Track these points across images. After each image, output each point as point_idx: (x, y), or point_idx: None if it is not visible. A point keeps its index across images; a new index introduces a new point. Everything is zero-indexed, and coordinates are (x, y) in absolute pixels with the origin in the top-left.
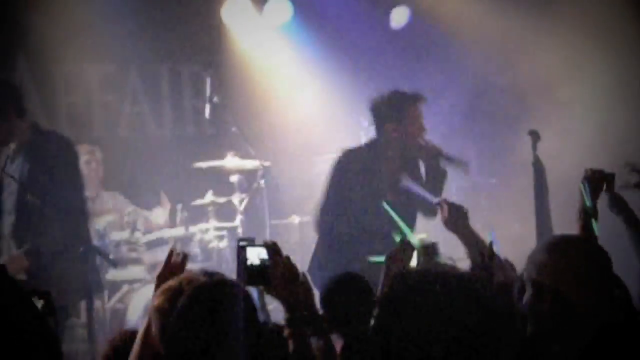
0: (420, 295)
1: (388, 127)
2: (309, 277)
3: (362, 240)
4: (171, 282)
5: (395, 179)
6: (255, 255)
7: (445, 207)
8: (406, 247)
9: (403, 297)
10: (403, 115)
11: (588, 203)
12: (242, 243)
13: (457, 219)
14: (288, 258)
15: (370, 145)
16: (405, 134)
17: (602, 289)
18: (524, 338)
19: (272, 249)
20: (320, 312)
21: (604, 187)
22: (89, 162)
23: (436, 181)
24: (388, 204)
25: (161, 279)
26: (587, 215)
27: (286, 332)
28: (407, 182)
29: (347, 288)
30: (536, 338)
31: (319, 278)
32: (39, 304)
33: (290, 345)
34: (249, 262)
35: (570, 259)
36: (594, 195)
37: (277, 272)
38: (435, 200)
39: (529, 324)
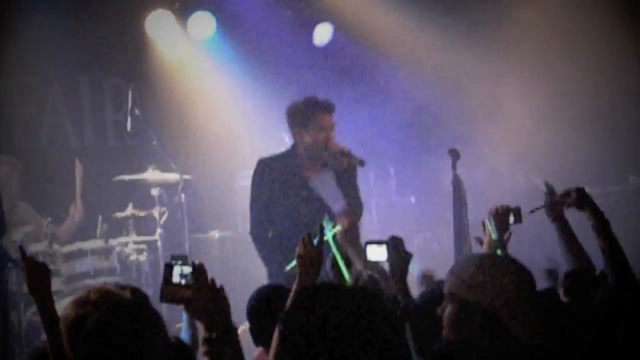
0: (321, 311)
1: (296, 131)
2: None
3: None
4: (80, 295)
5: (309, 182)
6: (180, 273)
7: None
8: (313, 248)
9: (305, 314)
10: (310, 122)
11: (494, 237)
12: (173, 261)
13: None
14: (212, 280)
15: (287, 152)
16: (314, 140)
17: (530, 308)
18: (440, 346)
19: (198, 269)
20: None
21: (511, 220)
22: (10, 174)
23: (349, 179)
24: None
25: None
26: (495, 248)
27: (203, 349)
28: (318, 184)
29: (268, 301)
30: (456, 348)
31: None
32: None
33: None
34: (173, 280)
35: (500, 278)
36: (500, 229)
37: (199, 293)
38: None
39: (446, 333)
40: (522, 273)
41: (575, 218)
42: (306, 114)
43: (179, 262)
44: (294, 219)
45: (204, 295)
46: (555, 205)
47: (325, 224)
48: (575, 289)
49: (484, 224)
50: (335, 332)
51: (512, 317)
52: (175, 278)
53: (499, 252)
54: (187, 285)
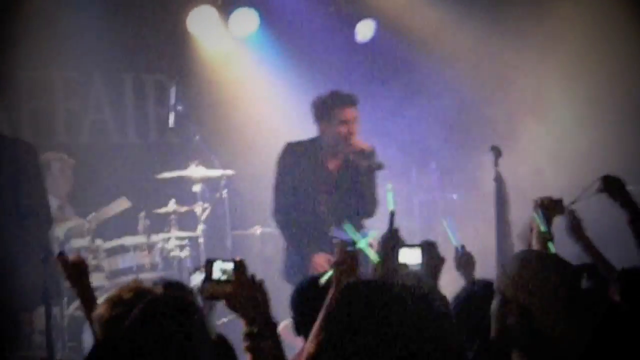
0: (367, 307)
1: (320, 124)
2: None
3: (314, 232)
4: (113, 292)
5: (330, 175)
6: (220, 270)
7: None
8: (350, 255)
9: (350, 311)
10: (333, 115)
11: (543, 229)
12: (210, 258)
13: (466, 263)
14: (253, 276)
15: (311, 140)
16: (336, 133)
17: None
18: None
19: (239, 265)
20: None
21: (557, 212)
22: (62, 168)
23: (369, 178)
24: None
25: None
26: (545, 240)
27: (245, 344)
28: (338, 178)
29: (310, 292)
30: (497, 343)
31: (293, 276)
32: None
33: (249, 358)
34: (213, 277)
35: (541, 275)
36: (548, 221)
37: (240, 289)
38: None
39: (493, 329)
40: (563, 270)
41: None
42: (330, 107)
43: (216, 259)
44: (314, 208)
45: (244, 291)
46: (575, 227)
47: (349, 230)
48: (629, 289)
49: (533, 216)
50: (379, 328)
51: (546, 314)
52: (216, 274)
53: (550, 245)
54: (227, 281)
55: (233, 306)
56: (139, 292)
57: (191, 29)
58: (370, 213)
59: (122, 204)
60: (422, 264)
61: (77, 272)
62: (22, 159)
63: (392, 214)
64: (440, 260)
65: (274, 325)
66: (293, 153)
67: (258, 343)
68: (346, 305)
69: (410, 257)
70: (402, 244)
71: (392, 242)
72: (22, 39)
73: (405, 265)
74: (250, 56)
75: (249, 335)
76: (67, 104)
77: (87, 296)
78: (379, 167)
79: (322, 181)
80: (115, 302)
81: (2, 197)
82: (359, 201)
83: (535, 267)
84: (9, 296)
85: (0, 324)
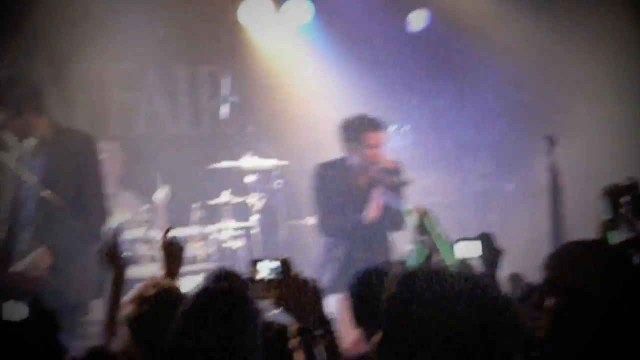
0: (426, 295)
1: (346, 146)
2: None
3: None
4: (139, 289)
5: (358, 192)
6: (267, 269)
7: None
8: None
9: (409, 298)
10: (360, 139)
11: (609, 215)
12: (254, 258)
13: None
14: (298, 274)
15: (339, 161)
16: (363, 156)
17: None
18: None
19: (285, 264)
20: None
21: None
22: (110, 159)
23: (396, 194)
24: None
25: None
26: (607, 228)
27: (295, 342)
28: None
29: (368, 283)
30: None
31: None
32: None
33: (300, 355)
34: (259, 276)
35: (590, 261)
36: (615, 208)
37: (287, 287)
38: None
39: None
40: (622, 261)
41: None
42: (358, 131)
43: (261, 258)
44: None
45: (291, 289)
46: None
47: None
48: None
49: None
50: (439, 316)
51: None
52: (262, 273)
53: (612, 234)
54: (274, 280)
55: (281, 305)
56: (161, 290)
57: (244, 20)
58: (397, 227)
59: (162, 192)
60: (481, 256)
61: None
62: (81, 151)
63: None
64: (498, 252)
65: (327, 322)
66: (324, 173)
67: (309, 340)
68: (405, 294)
69: (469, 250)
70: (459, 238)
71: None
72: (76, 32)
73: (464, 260)
74: (303, 47)
75: (299, 333)
76: (122, 96)
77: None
78: (404, 184)
79: (353, 198)
80: (141, 300)
81: (61, 190)
82: (386, 216)
83: (579, 256)
84: (67, 288)
85: (58, 315)
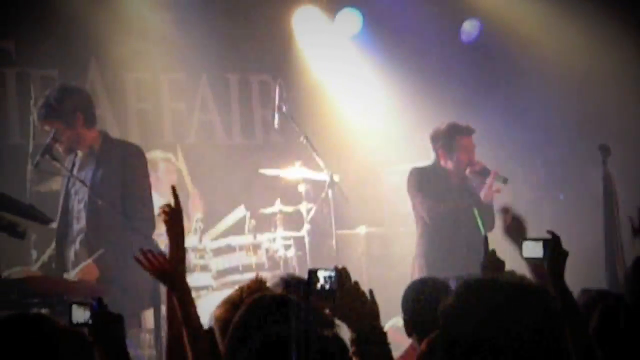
0: (485, 305)
1: (440, 153)
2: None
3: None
4: (233, 293)
5: (454, 191)
6: (324, 278)
7: (509, 215)
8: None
9: (468, 307)
10: (454, 145)
11: None
12: (312, 268)
13: (517, 229)
14: (356, 283)
15: (432, 166)
16: (456, 162)
17: None
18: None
19: (342, 274)
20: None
21: None
22: (168, 169)
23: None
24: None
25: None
26: None
27: (352, 350)
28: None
29: (421, 293)
30: None
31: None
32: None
33: None
34: (317, 286)
35: None
36: None
37: (345, 297)
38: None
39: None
40: None
41: None
42: (451, 137)
43: (318, 268)
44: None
45: (348, 299)
46: None
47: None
48: None
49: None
50: (498, 328)
51: None
52: (319, 284)
53: None
54: (330, 290)
55: (337, 315)
56: (259, 296)
57: (296, 29)
58: (490, 226)
59: (239, 213)
60: (544, 258)
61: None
62: (130, 161)
63: (486, 239)
64: (564, 254)
65: (381, 332)
66: (420, 174)
67: (364, 349)
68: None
69: (532, 250)
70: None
71: (491, 265)
72: (128, 41)
73: (530, 259)
74: (354, 56)
75: (354, 342)
76: (174, 104)
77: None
78: (505, 181)
79: (450, 195)
80: (235, 304)
81: (111, 199)
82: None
83: None
84: (119, 297)
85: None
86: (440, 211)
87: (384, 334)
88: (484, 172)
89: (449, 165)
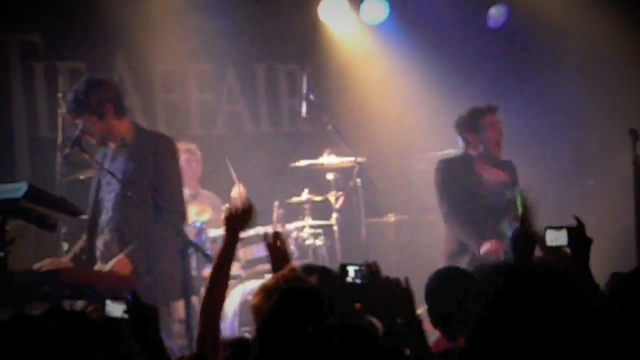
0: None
1: (468, 136)
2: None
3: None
4: (269, 280)
5: (482, 181)
6: (354, 272)
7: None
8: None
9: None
10: (480, 123)
11: None
12: (343, 263)
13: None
14: (387, 277)
15: (461, 156)
16: (486, 141)
17: None
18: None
19: (372, 268)
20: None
21: None
22: (189, 160)
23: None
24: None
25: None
26: None
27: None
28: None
29: (446, 283)
30: None
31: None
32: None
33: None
34: (347, 280)
35: None
36: None
37: (375, 291)
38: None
39: None
40: None
41: None
42: (476, 116)
43: (349, 263)
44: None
45: (379, 293)
46: None
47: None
48: None
49: None
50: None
51: None
52: (350, 277)
53: None
54: (361, 284)
55: (367, 308)
56: (295, 282)
57: (322, 18)
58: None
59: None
60: (568, 245)
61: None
62: (162, 152)
63: (523, 216)
64: (588, 241)
65: (416, 323)
66: (447, 167)
67: (398, 341)
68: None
69: (557, 238)
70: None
71: (523, 241)
72: (156, 32)
73: (552, 248)
74: (380, 44)
75: (385, 336)
76: (201, 95)
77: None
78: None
79: (476, 188)
80: (271, 291)
81: (142, 190)
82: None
83: None
84: (150, 288)
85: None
86: (455, 226)
87: (419, 322)
88: (509, 166)
89: (480, 149)
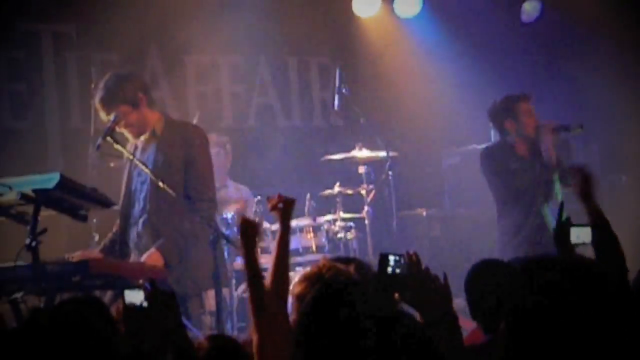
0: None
1: (504, 124)
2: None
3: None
4: (311, 269)
5: (523, 162)
6: (395, 262)
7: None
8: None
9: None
10: (515, 109)
11: None
12: (384, 252)
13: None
14: (427, 269)
15: (499, 143)
16: (523, 127)
17: None
18: None
19: (412, 259)
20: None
21: None
22: (218, 153)
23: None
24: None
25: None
26: None
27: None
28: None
29: (483, 275)
30: None
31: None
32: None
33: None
34: (387, 270)
35: None
36: None
37: (413, 282)
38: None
39: None
40: None
41: None
42: (510, 105)
43: (389, 253)
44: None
45: (418, 284)
46: None
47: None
48: None
49: None
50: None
51: None
52: (390, 268)
53: None
54: (401, 275)
55: (406, 300)
56: (337, 272)
57: (356, 11)
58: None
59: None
60: (592, 243)
61: (248, 232)
62: (192, 142)
63: (562, 204)
64: (614, 238)
65: (454, 316)
66: (491, 153)
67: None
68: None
69: (581, 236)
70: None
71: (565, 229)
72: (189, 24)
73: (576, 245)
74: (413, 38)
75: (424, 327)
76: (233, 87)
77: (250, 255)
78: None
79: (518, 168)
80: (315, 279)
81: (173, 181)
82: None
83: None
84: (181, 278)
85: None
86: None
87: (456, 319)
88: (561, 128)
89: (517, 135)
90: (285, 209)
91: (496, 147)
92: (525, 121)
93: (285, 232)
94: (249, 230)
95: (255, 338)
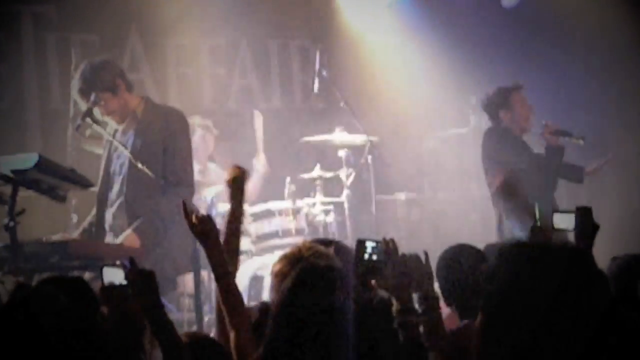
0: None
1: (498, 113)
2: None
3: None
4: (291, 250)
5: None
6: (372, 249)
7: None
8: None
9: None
10: (510, 100)
11: None
12: (361, 238)
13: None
14: (403, 255)
15: (500, 128)
16: (517, 117)
17: None
18: None
19: (389, 246)
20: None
21: None
22: (203, 136)
23: (555, 157)
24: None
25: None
26: None
27: (396, 322)
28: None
29: (455, 259)
30: None
31: None
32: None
33: (400, 335)
34: (365, 257)
35: None
36: None
37: (391, 269)
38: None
39: None
40: None
41: None
42: (504, 95)
43: (366, 238)
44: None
45: (395, 270)
46: None
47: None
48: None
49: None
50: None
51: None
52: (367, 254)
53: None
54: (378, 261)
55: (383, 286)
56: (316, 252)
57: None
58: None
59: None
60: (575, 229)
61: (203, 229)
62: (172, 126)
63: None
64: (595, 227)
65: (433, 301)
66: (492, 134)
67: (409, 320)
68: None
69: (564, 222)
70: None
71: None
72: (170, 6)
73: (560, 230)
74: (394, 22)
75: (400, 313)
76: (214, 70)
77: (211, 251)
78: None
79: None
80: (296, 259)
81: (151, 163)
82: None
83: None
84: (159, 261)
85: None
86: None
87: (436, 304)
88: (564, 133)
89: (512, 124)
90: (235, 181)
91: (498, 128)
92: (520, 111)
93: (236, 209)
94: (204, 229)
95: (232, 335)
